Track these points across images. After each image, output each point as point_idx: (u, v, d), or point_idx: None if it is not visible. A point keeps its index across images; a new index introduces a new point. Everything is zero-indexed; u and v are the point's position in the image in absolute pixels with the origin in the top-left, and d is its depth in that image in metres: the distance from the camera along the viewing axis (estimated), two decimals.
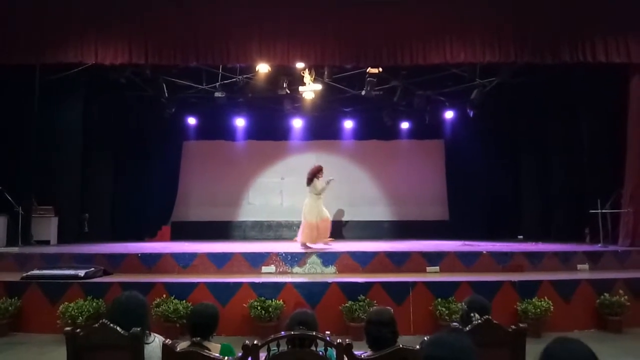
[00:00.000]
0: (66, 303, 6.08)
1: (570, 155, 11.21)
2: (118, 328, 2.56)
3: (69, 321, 5.78)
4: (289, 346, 2.45)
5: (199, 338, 2.66)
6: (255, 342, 2.43)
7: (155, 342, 2.75)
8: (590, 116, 10.55)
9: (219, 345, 2.82)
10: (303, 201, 9.27)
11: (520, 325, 2.64)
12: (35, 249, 8.52)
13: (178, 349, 2.55)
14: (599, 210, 8.90)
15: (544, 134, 12.11)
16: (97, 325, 2.59)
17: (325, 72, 10.53)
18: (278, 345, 2.50)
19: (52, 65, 8.80)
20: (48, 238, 10.21)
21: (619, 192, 8.94)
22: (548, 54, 8.51)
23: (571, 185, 11.15)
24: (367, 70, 10.35)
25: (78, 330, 2.61)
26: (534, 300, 6.15)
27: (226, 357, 2.52)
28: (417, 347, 2.30)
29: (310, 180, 9.20)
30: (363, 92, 11.19)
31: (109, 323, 2.57)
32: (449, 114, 13.68)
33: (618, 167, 9.04)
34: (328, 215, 9.24)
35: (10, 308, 6.17)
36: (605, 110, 9.96)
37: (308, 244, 8.77)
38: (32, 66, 8.95)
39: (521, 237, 11.97)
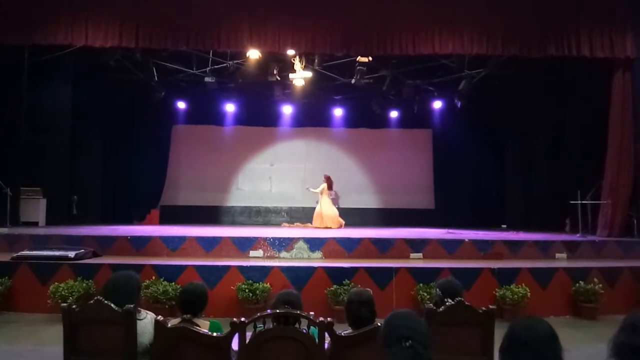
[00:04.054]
0: (56, 283, 6.17)
1: (554, 146, 11.50)
2: (112, 304, 2.69)
3: (59, 301, 5.87)
4: (275, 324, 2.61)
5: (189, 315, 2.81)
6: (242, 319, 2.58)
7: (147, 319, 2.88)
8: (574, 109, 10.82)
9: (208, 322, 2.97)
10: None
11: (490, 307, 2.82)
12: (25, 230, 8.57)
13: (169, 325, 2.69)
14: (579, 201, 9.15)
15: (529, 126, 12.36)
16: (92, 301, 2.73)
17: (316, 60, 10.61)
18: (264, 323, 2.65)
19: (42, 46, 8.77)
20: (36, 219, 10.24)
21: (600, 183, 9.20)
22: (534, 47, 8.69)
23: (554, 177, 11.45)
24: (357, 59, 10.45)
25: (74, 306, 2.74)
26: (512, 286, 6.38)
27: (215, 333, 2.67)
28: None
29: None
30: (353, 81, 11.30)
31: (103, 300, 2.71)
32: (437, 104, 13.86)
33: (599, 160, 9.28)
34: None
35: (0, 287, 6.25)
36: (588, 103, 10.20)
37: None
38: (20, 47, 8.93)
39: (505, 226, 12.25)
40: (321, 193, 12.24)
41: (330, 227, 11.46)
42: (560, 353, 1.83)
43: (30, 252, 6.80)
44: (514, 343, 1.87)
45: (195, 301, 3.03)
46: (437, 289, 3.21)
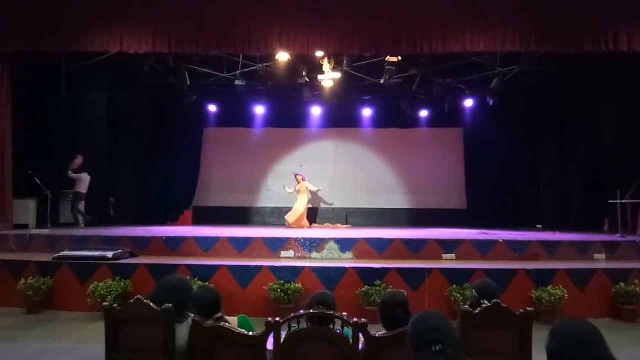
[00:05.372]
0: (95, 282, 6.40)
1: (590, 144, 11.14)
2: (151, 304, 2.77)
3: (98, 300, 6.08)
4: (309, 324, 2.64)
5: (220, 314, 2.86)
6: (277, 319, 2.61)
7: (187, 320, 2.94)
8: (611, 106, 10.46)
9: (236, 318, 3.02)
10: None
11: (527, 308, 2.77)
12: (65, 231, 8.86)
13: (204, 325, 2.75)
14: (618, 200, 8.86)
15: (564, 123, 12.03)
16: (132, 300, 2.81)
17: (344, 61, 10.60)
18: (298, 323, 2.68)
19: (78, 53, 9.06)
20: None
21: (639, 182, 8.89)
22: (570, 43, 8.42)
23: (591, 175, 11.08)
24: (386, 59, 10.37)
25: (115, 305, 2.83)
26: (548, 288, 6.24)
27: (250, 333, 2.71)
28: None
29: None
30: (382, 80, 11.22)
31: (143, 299, 2.78)
32: (468, 102, 13.62)
33: (638, 157, 8.96)
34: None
35: (42, 287, 6.50)
36: (626, 100, 9.86)
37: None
38: (58, 55, 9.25)
39: (540, 226, 11.97)
40: (298, 191, 12.68)
41: (291, 226, 11.97)
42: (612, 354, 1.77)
43: (70, 253, 7.06)
44: (567, 341, 1.80)
45: (217, 302, 3.06)
46: (473, 290, 3.17)
